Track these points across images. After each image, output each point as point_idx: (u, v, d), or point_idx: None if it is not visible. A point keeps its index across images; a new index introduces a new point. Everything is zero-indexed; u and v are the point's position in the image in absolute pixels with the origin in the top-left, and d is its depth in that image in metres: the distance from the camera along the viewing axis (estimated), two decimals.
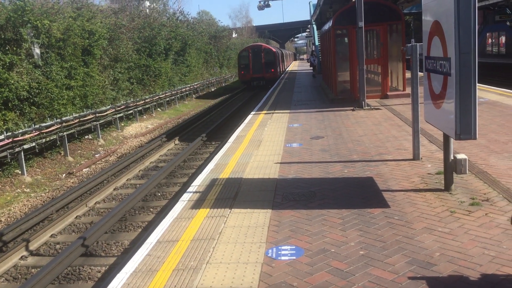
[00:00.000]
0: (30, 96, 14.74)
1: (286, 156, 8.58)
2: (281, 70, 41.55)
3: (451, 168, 5.87)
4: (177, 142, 16.58)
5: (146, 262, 4.44)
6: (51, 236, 8.17)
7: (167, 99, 27.13)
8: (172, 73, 30.74)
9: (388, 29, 16.73)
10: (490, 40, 40.62)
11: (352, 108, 14.24)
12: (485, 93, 15.08)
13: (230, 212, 5.70)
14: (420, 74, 7.47)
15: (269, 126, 12.27)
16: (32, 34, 15.56)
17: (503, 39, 38.66)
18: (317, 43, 38.28)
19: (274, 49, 38.65)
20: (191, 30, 37.66)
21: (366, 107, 14.04)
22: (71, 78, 17.36)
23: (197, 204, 6.11)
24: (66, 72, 17.04)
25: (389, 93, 16.36)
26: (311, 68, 36.91)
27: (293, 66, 63.47)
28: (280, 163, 8.06)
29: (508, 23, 36.84)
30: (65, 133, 15.01)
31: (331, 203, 5.79)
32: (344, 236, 4.75)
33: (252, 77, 35.40)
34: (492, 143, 8.22)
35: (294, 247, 4.59)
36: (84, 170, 13.87)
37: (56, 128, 14.61)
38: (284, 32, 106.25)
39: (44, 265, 6.63)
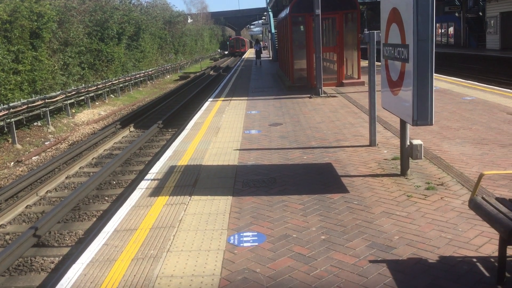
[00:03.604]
0: None
1: (245, 142, 8.53)
2: (244, 50, 74.87)
3: (407, 153, 6.00)
4: (132, 129, 16.19)
5: (103, 252, 4.28)
6: (0, 226, 7.79)
7: (121, 85, 26.43)
8: (125, 58, 29.95)
9: (344, 18, 16.90)
10: (439, 31, 41.98)
11: (309, 95, 14.34)
12: (436, 81, 15.55)
13: (190, 199, 5.60)
14: (377, 63, 7.57)
15: (227, 113, 12.16)
16: None
17: (451, 30, 40.05)
18: (273, 30, 38.26)
19: (245, 39, 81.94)
20: (145, 14, 36.77)
21: (323, 95, 14.17)
22: (19, 62, 16.58)
23: (156, 191, 5.97)
24: (13, 56, 16.25)
25: (344, 81, 16.59)
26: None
27: (249, 53, 63.28)
28: (239, 149, 8.01)
29: (456, 14, 38.14)
30: (12, 120, 14.35)
31: (292, 189, 5.80)
32: (305, 222, 4.76)
33: (235, 51, 74.33)
34: (445, 130, 8.48)
35: (256, 233, 4.56)
36: (33, 158, 13.32)
37: (3, 115, 13.94)
38: (240, 19, 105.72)
39: None
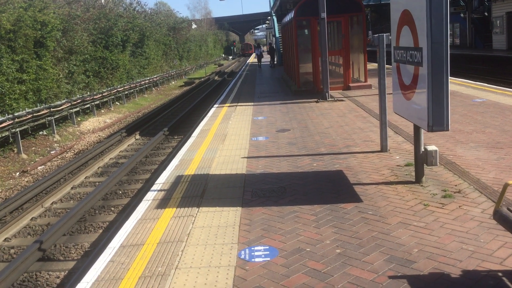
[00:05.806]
0: None
1: (253, 150, 8.36)
2: (252, 52, 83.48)
3: (422, 160, 5.80)
4: (138, 137, 16.05)
5: (109, 270, 4.11)
6: (5, 240, 7.65)
7: (126, 92, 26.35)
8: (130, 65, 29.89)
9: (349, 21, 16.72)
10: None
11: (316, 100, 14.16)
12: None
13: (198, 211, 5.43)
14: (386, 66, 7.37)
15: (233, 119, 12.00)
16: None
17: (457, 30, 39.75)
18: (277, 35, 38.15)
19: (252, 44, 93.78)
20: (149, 21, 36.74)
21: (330, 99, 13.98)
22: (23, 71, 16.51)
23: (163, 203, 5.80)
24: (18, 65, 16.19)
25: (351, 85, 16.39)
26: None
27: (253, 57, 63.09)
28: (247, 157, 7.83)
29: (462, 15, 37.86)
30: (17, 129, 14.26)
31: (303, 198, 5.61)
32: (319, 234, 4.57)
33: (245, 53, 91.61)
34: (457, 133, 8.26)
35: (267, 247, 4.37)
36: (39, 167, 13.20)
37: (8, 125, 13.85)
38: (244, 24, 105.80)
39: None
